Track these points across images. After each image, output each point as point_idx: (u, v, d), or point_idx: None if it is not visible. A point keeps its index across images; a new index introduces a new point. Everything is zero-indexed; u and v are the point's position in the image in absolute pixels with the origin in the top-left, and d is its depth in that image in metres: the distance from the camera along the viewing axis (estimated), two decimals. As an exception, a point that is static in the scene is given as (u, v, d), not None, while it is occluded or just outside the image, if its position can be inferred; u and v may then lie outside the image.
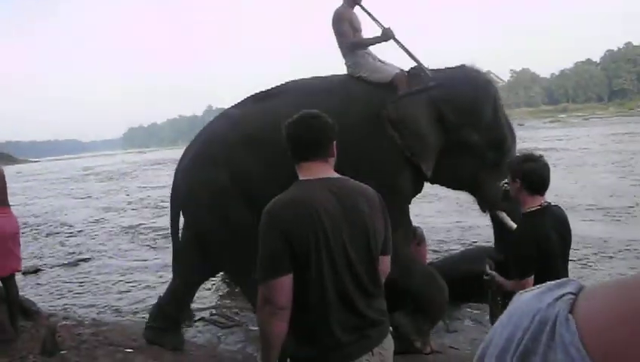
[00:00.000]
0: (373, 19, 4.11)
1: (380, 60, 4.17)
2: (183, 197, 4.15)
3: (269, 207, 1.92)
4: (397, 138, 3.78)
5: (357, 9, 4.20)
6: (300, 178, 2.02)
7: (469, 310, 4.94)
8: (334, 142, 2.05)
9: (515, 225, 3.45)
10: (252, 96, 4.31)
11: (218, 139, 4.03)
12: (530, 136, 25.63)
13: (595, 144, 21.68)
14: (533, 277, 2.62)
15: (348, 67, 4.14)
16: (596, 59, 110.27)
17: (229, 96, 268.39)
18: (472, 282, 3.57)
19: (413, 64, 4.03)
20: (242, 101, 4.33)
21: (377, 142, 3.81)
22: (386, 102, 3.82)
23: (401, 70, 4.05)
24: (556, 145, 21.61)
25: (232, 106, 4.39)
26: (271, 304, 1.85)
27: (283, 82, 4.29)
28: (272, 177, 3.43)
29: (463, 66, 4.02)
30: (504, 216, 3.88)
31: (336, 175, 2.03)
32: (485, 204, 4.08)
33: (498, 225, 3.96)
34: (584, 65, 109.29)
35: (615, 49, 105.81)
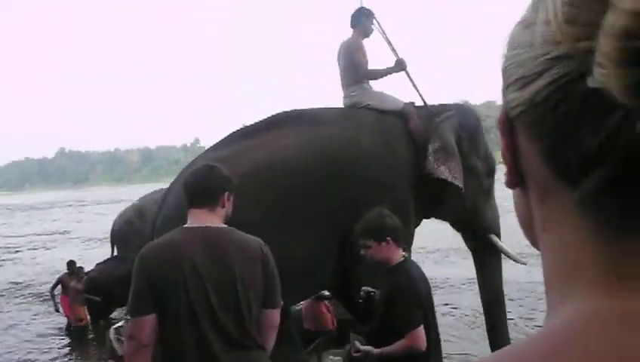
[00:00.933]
0: (391, 47, 4.27)
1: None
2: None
3: (143, 248, 2.10)
4: (439, 165, 3.92)
5: (373, 35, 4.32)
6: (185, 224, 2.15)
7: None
8: (226, 193, 2.18)
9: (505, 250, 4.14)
10: (240, 130, 4.22)
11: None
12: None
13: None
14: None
15: (352, 97, 4.16)
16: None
17: (84, 137, 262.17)
18: None
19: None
20: (225, 139, 4.07)
21: (390, 168, 3.88)
22: (395, 129, 3.99)
23: (407, 101, 4.22)
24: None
25: (213, 147, 4.08)
26: (135, 340, 2.01)
27: (275, 113, 4.17)
28: (289, 220, 3.51)
29: (457, 103, 4.57)
30: (497, 240, 4.20)
31: (218, 225, 2.14)
32: (480, 230, 4.20)
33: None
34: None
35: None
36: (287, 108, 4.28)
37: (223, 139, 4.06)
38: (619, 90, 0.32)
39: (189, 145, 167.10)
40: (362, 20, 4.23)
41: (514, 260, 4.32)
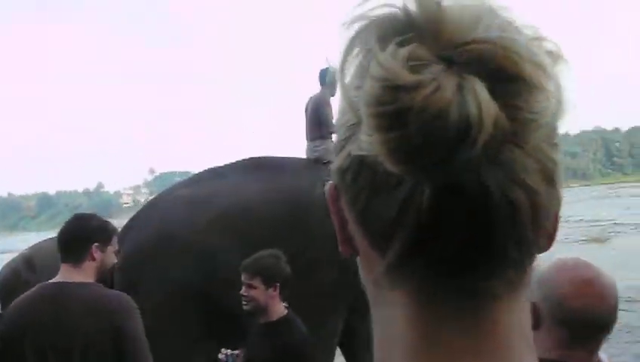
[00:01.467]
0: None
1: None
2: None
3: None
4: None
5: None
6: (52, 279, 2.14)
7: None
8: (95, 245, 2.14)
9: None
10: (209, 171, 4.29)
11: (184, 222, 3.66)
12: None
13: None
14: None
15: (314, 151, 4.29)
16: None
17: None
18: None
19: None
20: (194, 178, 4.28)
21: None
22: None
23: None
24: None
25: (182, 184, 4.24)
26: None
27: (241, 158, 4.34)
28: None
29: None
30: None
31: (76, 281, 2.08)
32: None
33: None
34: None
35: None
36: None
37: (193, 177, 4.33)
38: (382, 156, 0.33)
39: (91, 189, 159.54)
40: (330, 80, 4.46)
41: None
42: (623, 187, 60.00)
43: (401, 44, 0.33)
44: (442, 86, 0.32)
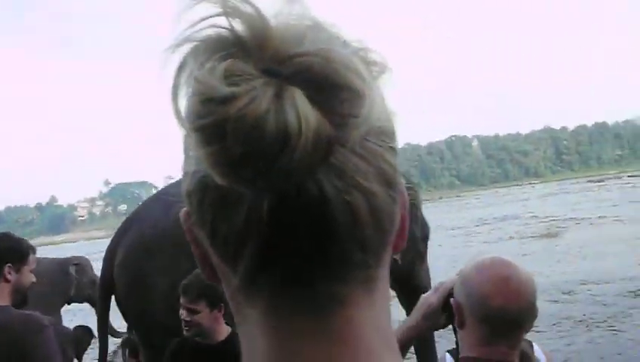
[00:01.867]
0: None
1: None
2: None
3: None
4: None
5: None
6: None
7: None
8: (8, 266, 2.12)
9: None
10: None
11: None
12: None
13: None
14: None
15: None
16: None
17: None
18: None
19: None
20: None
21: None
22: None
23: None
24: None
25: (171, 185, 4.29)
26: None
27: None
28: None
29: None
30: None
31: None
32: (415, 292, 4.26)
33: None
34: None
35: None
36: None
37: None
38: (209, 170, 0.35)
39: (44, 203, 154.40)
40: None
41: None
42: (572, 183, 62.41)
43: (222, 60, 0.34)
44: (258, 96, 0.33)
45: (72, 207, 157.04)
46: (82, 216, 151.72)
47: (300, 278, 0.37)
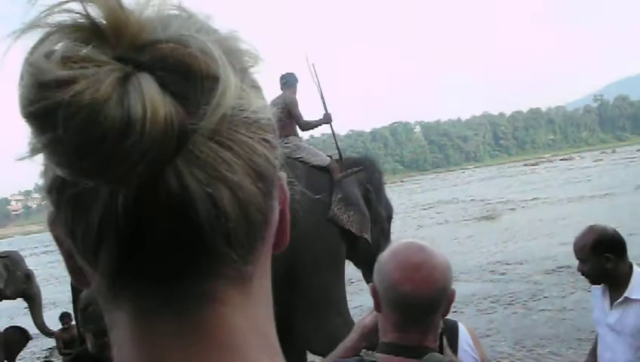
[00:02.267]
0: (323, 101, 5.02)
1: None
2: None
3: None
4: (341, 214, 4.40)
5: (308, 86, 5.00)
6: None
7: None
8: None
9: None
10: None
11: None
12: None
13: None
14: None
15: (286, 147, 4.51)
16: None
17: None
18: None
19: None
20: None
21: (321, 217, 4.34)
22: (322, 183, 4.46)
23: (331, 157, 4.79)
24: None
25: None
26: None
27: None
28: None
29: (365, 156, 5.34)
30: None
31: None
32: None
33: None
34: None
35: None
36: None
37: None
38: (48, 161, 0.33)
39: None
40: (295, 83, 4.96)
41: None
42: (509, 167, 64.99)
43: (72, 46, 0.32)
44: (99, 81, 0.30)
45: (6, 201, 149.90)
46: (17, 211, 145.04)
47: (163, 276, 0.35)
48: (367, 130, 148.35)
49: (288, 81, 4.97)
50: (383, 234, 4.76)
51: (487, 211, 18.97)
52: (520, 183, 31.73)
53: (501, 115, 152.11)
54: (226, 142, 0.34)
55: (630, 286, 2.35)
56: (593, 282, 2.48)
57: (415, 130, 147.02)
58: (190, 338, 0.36)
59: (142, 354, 0.36)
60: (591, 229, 2.43)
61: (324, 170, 4.61)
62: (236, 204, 0.35)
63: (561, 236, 10.84)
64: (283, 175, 0.42)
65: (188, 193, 0.33)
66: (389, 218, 4.95)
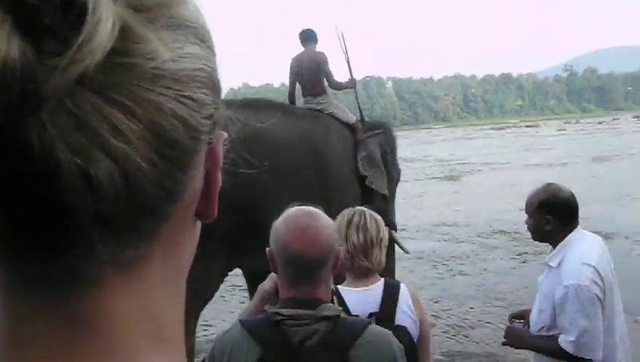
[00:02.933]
0: (349, 66, 5.25)
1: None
2: None
3: None
4: (364, 171, 4.72)
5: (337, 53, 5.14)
6: None
7: None
8: None
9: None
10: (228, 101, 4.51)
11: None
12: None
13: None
14: None
15: (320, 103, 4.83)
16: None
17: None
18: None
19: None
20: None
21: (347, 168, 4.66)
22: (349, 137, 4.80)
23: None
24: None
25: None
26: None
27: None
28: (281, 187, 3.76)
29: (384, 123, 5.59)
30: (394, 233, 4.83)
31: None
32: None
33: None
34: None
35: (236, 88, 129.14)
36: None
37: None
38: None
39: None
40: (316, 39, 5.00)
41: (401, 248, 5.21)
42: (476, 130, 65.90)
43: None
44: None
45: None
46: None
47: (32, 257, 0.31)
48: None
49: (309, 37, 5.01)
50: (392, 194, 5.09)
51: (446, 172, 19.50)
52: (484, 146, 32.41)
53: (473, 77, 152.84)
54: (118, 98, 0.28)
55: (554, 251, 2.35)
56: (535, 239, 2.51)
57: (387, 86, 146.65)
58: (61, 323, 0.33)
59: (7, 333, 0.33)
60: (545, 187, 2.42)
61: (350, 127, 4.88)
62: (120, 178, 0.29)
63: (508, 201, 11.25)
64: (220, 135, 0.38)
65: (52, 160, 0.27)
66: (398, 180, 5.29)
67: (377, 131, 4.97)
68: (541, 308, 2.34)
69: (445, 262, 7.98)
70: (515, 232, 8.83)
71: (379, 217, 1.98)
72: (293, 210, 1.45)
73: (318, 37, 5.08)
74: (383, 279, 1.96)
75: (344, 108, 5.04)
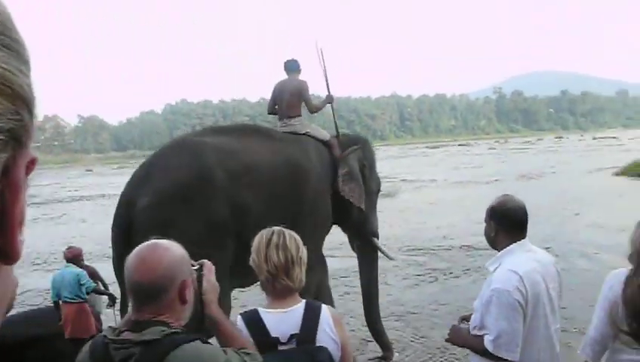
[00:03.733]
0: (327, 83, 5.43)
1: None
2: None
3: None
4: (344, 186, 4.92)
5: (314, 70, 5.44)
6: None
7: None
8: None
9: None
10: (210, 128, 5.12)
11: (213, 165, 3.96)
12: (98, 183, 29.87)
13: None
14: None
15: (293, 125, 5.09)
16: (158, 111, 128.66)
17: None
18: None
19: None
20: (202, 131, 5.26)
21: (325, 184, 4.88)
22: (325, 154, 5.02)
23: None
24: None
25: (195, 134, 4.88)
26: None
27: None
28: (270, 213, 3.87)
29: (361, 137, 5.93)
30: (376, 241, 5.34)
31: None
32: (367, 235, 5.35)
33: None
34: (148, 116, 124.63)
35: (173, 103, 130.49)
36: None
37: (206, 130, 5.40)
38: None
39: None
40: (299, 69, 5.32)
41: (386, 256, 5.59)
42: (412, 148, 67.76)
43: None
44: None
45: None
46: None
47: None
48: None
49: (293, 68, 5.35)
50: (372, 204, 5.38)
51: (390, 188, 20.07)
52: (419, 164, 33.50)
53: (409, 97, 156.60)
54: None
55: (494, 257, 2.48)
56: (489, 244, 2.59)
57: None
58: None
59: None
60: (499, 197, 2.54)
61: (326, 144, 5.14)
62: None
63: (434, 218, 11.78)
64: (24, 154, 0.33)
65: None
66: (378, 191, 5.57)
67: (355, 147, 5.20)
68: (476, 308, 2.47)
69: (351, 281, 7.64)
70: (431, 249, 9.35)
71: (297, 236, 1.96)
72: (146, 244, 1.55)
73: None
74: (304, 301, 1.94)
75: (318, 128, 5.34)
